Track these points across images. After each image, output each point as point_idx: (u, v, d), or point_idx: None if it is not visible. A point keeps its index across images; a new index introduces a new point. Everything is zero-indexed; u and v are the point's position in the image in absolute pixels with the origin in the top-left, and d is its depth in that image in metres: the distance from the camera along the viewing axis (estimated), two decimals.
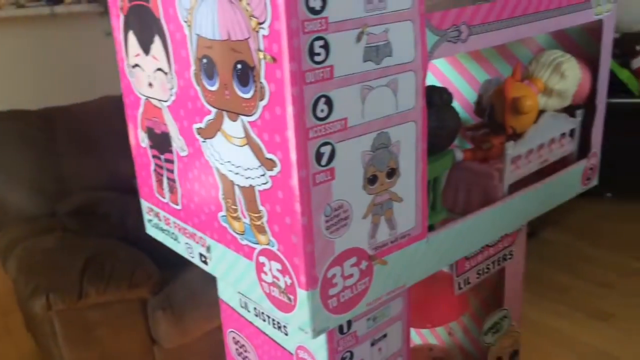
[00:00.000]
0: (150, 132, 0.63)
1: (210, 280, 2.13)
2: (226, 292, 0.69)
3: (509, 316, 0.73)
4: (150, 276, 1.87)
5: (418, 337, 0.86)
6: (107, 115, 2.50)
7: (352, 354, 0.58)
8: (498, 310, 0.72)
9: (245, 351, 0.70)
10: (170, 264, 2.03)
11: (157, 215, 0.65)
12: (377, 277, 0.51)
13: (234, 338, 0.72)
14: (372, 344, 0.60)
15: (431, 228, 0.56)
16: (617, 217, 3.02)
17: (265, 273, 0.50)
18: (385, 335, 0.61)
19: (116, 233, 1.94)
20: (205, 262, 0.59)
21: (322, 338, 0.56)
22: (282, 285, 0.49)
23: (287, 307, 0.49)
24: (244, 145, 0.49)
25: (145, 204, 0.68)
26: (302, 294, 0.47)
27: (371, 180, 0.49)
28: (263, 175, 0.48)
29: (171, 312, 1.88)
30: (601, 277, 2.53)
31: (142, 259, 1.90)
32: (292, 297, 0.48)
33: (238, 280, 0.55)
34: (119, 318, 1.86)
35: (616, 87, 2.90)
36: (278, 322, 0.62)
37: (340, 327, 0.56)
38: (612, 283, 2.48)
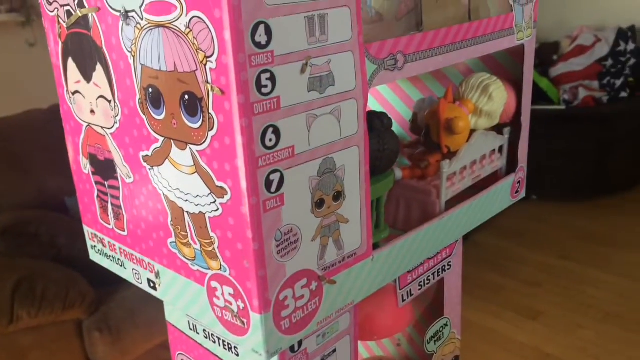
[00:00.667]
0: (93, 159, 0.63)
1: (147, 299, 2.09)
2: (174, 315, 0.69)
3: (450, 324, 0.77)
4: (84, 296, 1.82)
5: (365, 350, 0.89)
6: (33, 129, 2.41)
7: None
8: (439, 319, 0.76)
9: None
10: (105, 283, 1.98)
11: (101, 241, 0.65)
12: (327, 296, 0.53)
13: None
14: None
15: (376, 246, 0.59)
16: (542, 218, 3.20)
17: (218, 298, 0.51)
18: (334, 350, 0.63)
19: (47, 253, 1.87)
20: (154, 288, 0.59)
21: (275, 358, 0.57)
22: (235, 309, 0.50)
23: (240, 331, 0.50)
24: (193, 173, 0.50)
25: (88, 231, 0.67)
26: (255, 318, 0.48)
27: (319, 204, 0.51)
28: (213, 202, 0.49)
29: (109, 332, 1.84)
30: (530, 276, 2.67)
31: (75, 278, 1.84)
32: (245, 320, 0.49)
33: (189, 305, 0.56)
34: (53, 341, 1.80)
35: (537, 95, 3.07)
36: (229, 344, 0.63)
37: (292, 346, 0.58)
38: (540, 282, 2.62)
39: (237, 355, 0.62)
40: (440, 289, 0.76)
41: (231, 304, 0.50)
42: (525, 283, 2.64)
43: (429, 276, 0.72)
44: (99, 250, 0.66)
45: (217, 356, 0.65)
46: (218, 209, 0.48)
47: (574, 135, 3.12)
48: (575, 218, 3.15)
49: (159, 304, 0.71)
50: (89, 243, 0.68)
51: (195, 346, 0.68)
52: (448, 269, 0.74)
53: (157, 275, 0.58)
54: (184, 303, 0.56)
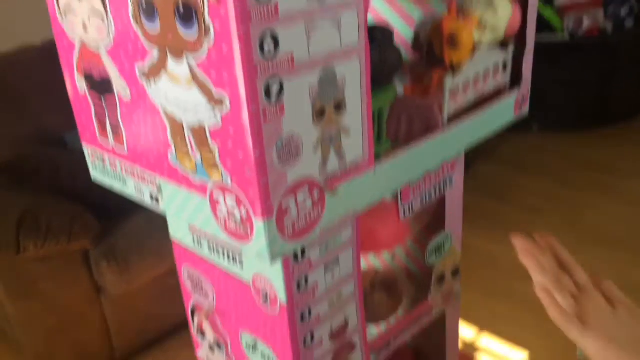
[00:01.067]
0: (88, 77, 0.62)
1: (153, 229, 2.12)
2: (179, 231, 0.70)
3: (450, 238, 0.78)
4: (89, 228, 1.84)
5: (365, 262, 0.91)
6: (28, 66, 2.36)
7: (307, 278, 0.61)
8: (440, 233, 0.77)
9: (201, 286, 0.72)
10: (109, 216, 2.00)
11: (102, 159, 0.65)
12: (329, 205, 0.54)
13: (188, 274, 0.74)
14: (325, 269, 0.63)
15: (377, 158, 0.59)
16: (543, 148, 3.20)
17: (220, 207, 0.52)
18: (337, 260, 0.64)
19: (49, 188, 1.89)
20: (157, 202, 0.60)
21: (278, 265, 0.58)
22: (238, 217, 0.50)
23: (243, 237, 0.51)
24: (190, 84, 0.49)
25: (88, 149, 0.67)
26: (258, 223, 0.49)
27: (319, 113, 0.50)
28: (212, 112, 0.48)
29: (115, 262, 1.87)
30: (530, 204, 2.70)
31: (79, 211, 1.86)
32: (248, 227, 0.50)
33: (192, 217, 0.56)
34: (61, 271, 1.84)
35: (540, 24, 3.00)
36: (233, 254, 0.64)
37: (295, 255, 0.59)
38: (540, 209, 2.65)
39: (242, 266, 0.64)
40: (441, 205, 0.76)
41: (234, 212, 0.51)
42: (526, 210, 2.67)
43: (430, 192, 0.73)
44: (100, 169, 0.66)
45: (223, 268, 0.67)
46: (217, 120, 0.48)
47: (577, 65, 3.07)
48: (576, 147, 3.14)
49: (164, 234, 0.72)
50: (90, 162, 0.68)
51: (200, 260, 0.70)
52: (449, 184, 0.75)
53: (159, 189, 0.58)
54: (187, 215, 0.57)
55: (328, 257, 0.63)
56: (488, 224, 2.53)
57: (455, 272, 0.81)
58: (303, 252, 0.60)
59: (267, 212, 0.48)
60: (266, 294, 0.62)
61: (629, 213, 2.55)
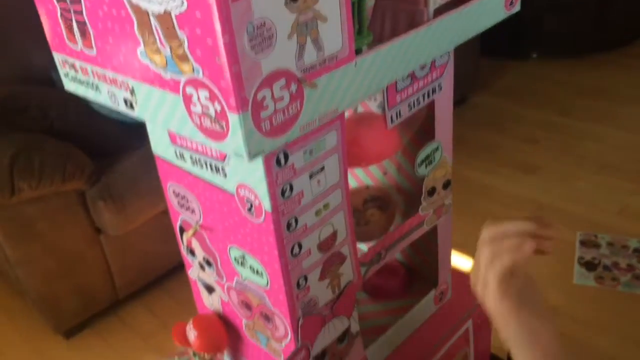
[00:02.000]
0: None
1: (148, 168, 2.10)
2: (160, 145, 0.68)
3: (441, 148, 0.76)
4: (83, 167, 1.83)
5: (354, 179, 0.89)
6: (11, 4, 2.28)
7: (291, 186, 0.59)
8: (430, 143, 0.75)
9: (187, 202, 0.71)
10: (101, 155, 1.98)
11: (72, 66, 0.62)
12: (308, 100, 0.51)
13: (174, 191, 0.72)
14: (311, 177, 0.61)
15: (359, 52, 0.56)
16: (542, 76, 3.14)
17: (194, 104, 0.49)
18: (322, 168, 0.62)
19: (39, 127, 1.86)
20: (131, 108, 0.57)
21: (261, 171, 0.56)
22: (212, 113, 0.48)
23: (219, 135, 0.49)
24: None
25: (58, 57, 0.64)
26: (233, 118, 0.46)
27: None
28: None
29: (112, 201, 1.87)
30: (528, 134, 2.67)
31: (72, 150, 1.84)
32: (223, 123, 0.48)
33: (167, 118, 0.54)
34: (58, 211, 1.83)
35: None
36: (216, 165, 0.62)
37: (278, 160, 0.57)
38: (538, 138, 2.63)
39: (225, 176, 0.62)
40: (430, 113, 0.74)
41: (208, 108, 0.48)
42: (523, 140, 2.64)
43: (418, 97, 0.70)
44: (71, 77, 0.63)
45: (206, 180, 0.65)
46: (183, 4, 0.45)
47: None
48: (575, 75, 3.08)
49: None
50: (61, 71, 0.65)
51: (184, 175, 0.68)
52: (439, 90, 0.72)
53: (132, 92, 0.55)
54: (163, 117, 0.54)
55: (313, 163, 0.61)
56: (486, 156, 2.51)
57: (447, 184, 0.80)
58: (286, 157, 0.58)
59: (241, 105, 0.46)
60: (251, 203, 0.61)
61: (628, 140, 2.53)
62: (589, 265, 2.02)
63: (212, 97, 0.47)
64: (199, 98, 0.48)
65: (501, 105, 2.95)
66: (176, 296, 2.13)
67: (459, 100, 2.81)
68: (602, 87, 2.95)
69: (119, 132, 2.05)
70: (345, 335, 0.75)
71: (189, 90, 0.49)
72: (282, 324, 0.69)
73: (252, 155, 0.48)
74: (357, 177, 0.89)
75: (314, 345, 0.71)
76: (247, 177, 0.59)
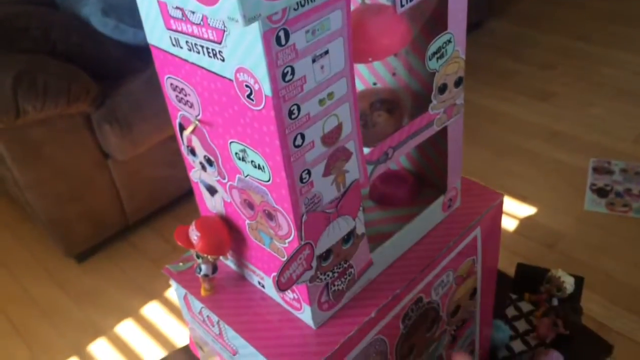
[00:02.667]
0: None
1: (153, 92, 2.08)
2: (154, 33, 0.65)
3: (453, 40, 0.72)
4: (88, 89, 1.80)
5: (361, 83, 0.85)
6: None
7: (292, 69, 0.56)
8: (442, 34, 0.70)
9: (185, 95, 0.68)
10: (105, 77, 1.95)
11: None
12: None
13: (171, 84, 0.69)
14: (314, 60, 0.58)
15: None
16: (559, 1, 3.01)
17: None
18: (326, 52, 0.59)
19: (41, 48, 1.82)
20: None
21: (260, 50, 0.53)
22: None
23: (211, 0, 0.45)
24: None
25: None
26: None
27: None
28: None
29: (118, 125, 1.85)
30: (544, 60, 2.59)
31: (75, 72, 1.81)
32: None
33: None
34: (64, 134, 1.82)
35: None
36: (213, 49, 0.59)
37: (278, 38, 0.53)
38: (554, 64, 2.54)
39: (223, 60, 0.59)
40: (442, 1, 0.69)
41: None
42: (539, 66, 2.56)
43: None
44: None
45: (204, 68, 0.62)
46: None
47: None
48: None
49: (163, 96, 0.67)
50: None
51: (180, 63, 0.65)
52: None
53: None
54: None
55: (316, 45, 0.57)
56: (499, 82, 2.45)
57: (459, 82, 0.76)
58: (287, 35, 0.54)
59: None
60: (250, 89, 0.58)
61: None
62: (601, 192, 2.00)
63: None
64: None
65: (518, 30, 2.85)
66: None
67: (475, 25, 2.71)
68: (621, 12, 2.83)
69: (123, 55, 2.00)
70: (350, 236, 0.74)
71: None
72: (285, 221, 0.67)
73: (247, 19, 0.45)
74: (364, 80, 0.85)
75: (318, 244, 0.70)
76: (245, 59, 0.56)
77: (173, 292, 1.84)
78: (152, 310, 1.81)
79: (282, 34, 0.53)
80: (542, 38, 2.73)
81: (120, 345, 1.71)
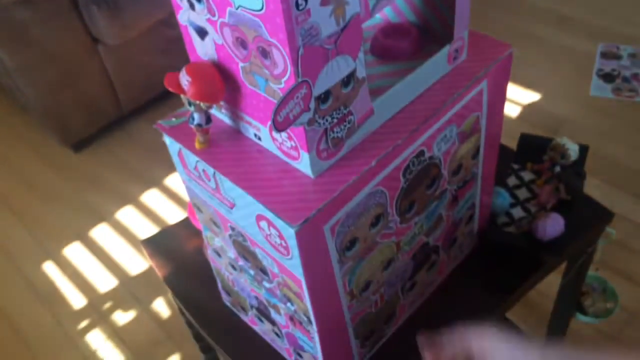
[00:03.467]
0: None
1: None
2: None
3: None
4: None
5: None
6: None
7: None
8: None
9: None
10: None
11: None
12: None
13: None
14: None
15: None
16: None
17: None
18: None
19: None
20: None
21: None
22: None
23: None
24: None
25: None
26: None
27: None
28: None
29: (106, 6, 1.76)
30: None
31: None
32: None
33: None
34: (50, 17, 1.74)
35: None
36: None
37: None
38: None
39: None
40: None
41: None
42: None
43: None
44: None
45: None
46: None
47: None
48: None
49: None
50: None
51: None
52: None
53: None
54: None
55: None
56: None
57: None
58: None
59: None
60: None
61: None
62: (607, 77, 1.94)
63: None
64: None
65: None
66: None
67: None
68: None
69: None
70: (350, 79, 0.70)
71: None
72: (281, 56, 0.63)
73: None
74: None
75: (316, 84, 0.66)
76: None
77: (172, 180, 1.83)
78: (152, 196, 1.81)
79: None
80: None
81: (122, 229, 1.73)
